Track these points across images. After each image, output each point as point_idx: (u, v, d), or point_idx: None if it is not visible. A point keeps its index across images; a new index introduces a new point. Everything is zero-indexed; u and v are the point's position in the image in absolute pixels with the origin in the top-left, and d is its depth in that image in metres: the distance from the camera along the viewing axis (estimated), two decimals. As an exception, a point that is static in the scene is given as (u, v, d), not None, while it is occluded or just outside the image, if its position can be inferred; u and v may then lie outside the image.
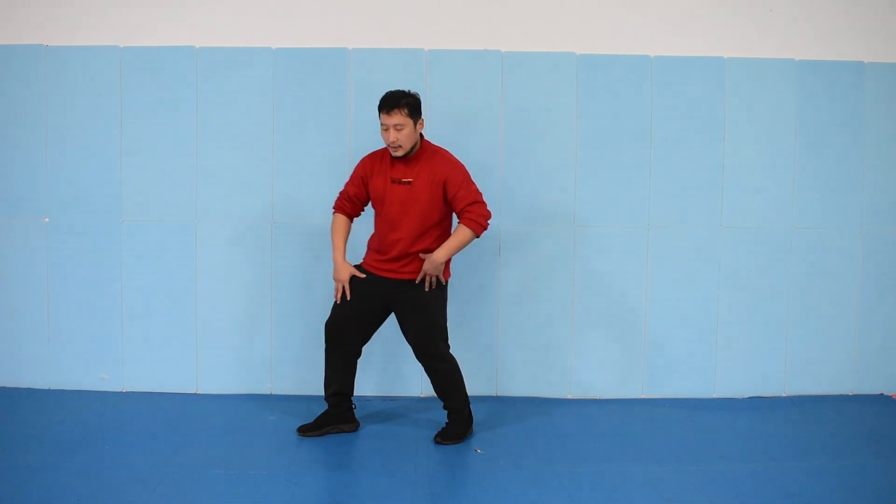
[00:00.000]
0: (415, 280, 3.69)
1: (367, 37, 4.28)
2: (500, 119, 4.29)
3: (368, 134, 4.13)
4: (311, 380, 4.33)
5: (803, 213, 4.43)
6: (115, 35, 4.26)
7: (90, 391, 4.31)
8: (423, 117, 3.68)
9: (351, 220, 3.86)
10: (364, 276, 3.74)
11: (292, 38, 4.28)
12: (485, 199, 3.74)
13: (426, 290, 3.68)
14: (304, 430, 3.80)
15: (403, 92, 3.62)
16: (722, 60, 4.36)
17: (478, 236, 3.70)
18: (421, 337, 3.71)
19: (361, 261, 3.85)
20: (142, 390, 4.34)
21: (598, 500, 3.19)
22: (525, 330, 4.39)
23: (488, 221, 3.70)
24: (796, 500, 3.20)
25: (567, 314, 4.39)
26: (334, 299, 3.78)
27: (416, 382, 4.34)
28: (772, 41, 4.39)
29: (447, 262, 3.74)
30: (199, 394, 4.34)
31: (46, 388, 4.35)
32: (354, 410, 3.90)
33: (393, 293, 3.73)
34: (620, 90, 4.33)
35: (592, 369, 4.41)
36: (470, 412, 3.84)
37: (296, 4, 4.29)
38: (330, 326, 3.77)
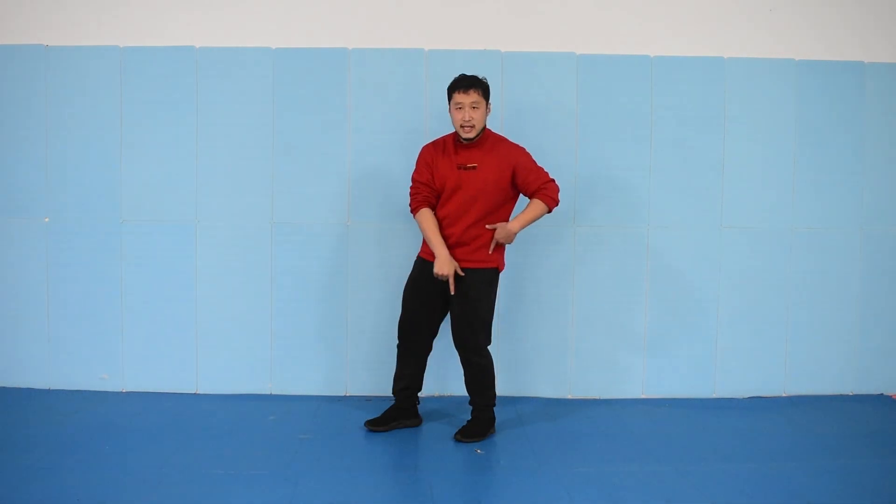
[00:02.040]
0: (471, 269, 3.71)
1: (367, 37, 4.29)
2: (500, 119, 4.28)
3: (369, 134, 4.14)
4: (311, 380, 4.34)
5: (803, 213, 4.44)
6: (115, 35, 4.27)
7: (90, 391, 4.32)
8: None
9: (434, 210, 3.79)
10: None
11: (292, 38, 4.28)
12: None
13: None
14: (372, 425, 3.85)
15: (476, 76, 3.71)
16: (722, 60, 4.36)
17: (549, 211, 3.80)
18: (463, 327, 3.74)
19: (419, 251, 3.87)
20: (142, 390, 4.34)
21: (598, 500, 3.19)
22: (525, 330, 4.39)
23: (559, 196, 3.79)
24: (796, 500, 3.20)
25: (567, 314, 4.39)
26: (403, 298, 3.82)
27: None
28: (772, 41, 4.39)
29: (501, 249, 3.80)
30: (199, 394, 4.35)
31: (46, 388, 4.35)
32: (418, 406, 3.97)
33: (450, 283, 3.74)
34: (620, 90, 4.33)
35: (592, 369, 4.41)
36: (494, 414, 3.86)
37: (296, 4, 4.29)
38: (403, 326, 3.83)
